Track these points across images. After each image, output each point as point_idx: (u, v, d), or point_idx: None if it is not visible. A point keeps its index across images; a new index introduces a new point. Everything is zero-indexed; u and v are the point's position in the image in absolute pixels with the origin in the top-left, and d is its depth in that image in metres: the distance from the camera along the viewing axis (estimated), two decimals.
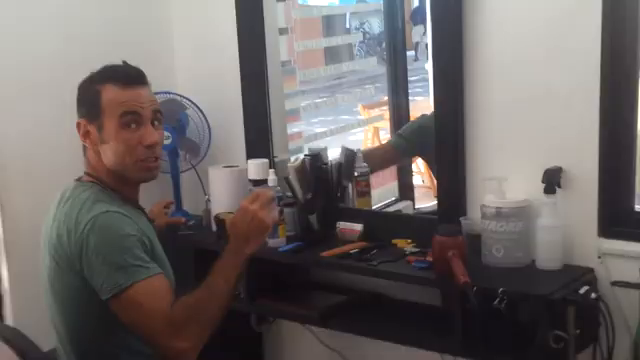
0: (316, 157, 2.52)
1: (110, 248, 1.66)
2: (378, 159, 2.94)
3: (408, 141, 2.89)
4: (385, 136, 3.95)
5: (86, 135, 1.80)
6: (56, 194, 1.82)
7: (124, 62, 1.85)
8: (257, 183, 2.48)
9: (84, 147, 1.85)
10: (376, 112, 4.49)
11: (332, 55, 4.62)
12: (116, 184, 1.82)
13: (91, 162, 1.84)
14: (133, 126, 1.77)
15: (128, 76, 1.80)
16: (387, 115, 3.61)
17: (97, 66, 1.85)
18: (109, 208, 1.72)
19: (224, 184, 2.60)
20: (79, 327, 1.76)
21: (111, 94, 1.77)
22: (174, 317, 1.65)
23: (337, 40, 5.15)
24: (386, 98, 3.55)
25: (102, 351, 1.76)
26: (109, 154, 1.78)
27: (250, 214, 1.69)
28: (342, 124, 4.25)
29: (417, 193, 3.34)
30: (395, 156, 3.03)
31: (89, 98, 1.80)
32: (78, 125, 1.81)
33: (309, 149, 2.85)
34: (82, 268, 1.67)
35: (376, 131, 4.63)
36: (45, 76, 2.52)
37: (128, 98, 1.77)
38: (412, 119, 3.29)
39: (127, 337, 1.74)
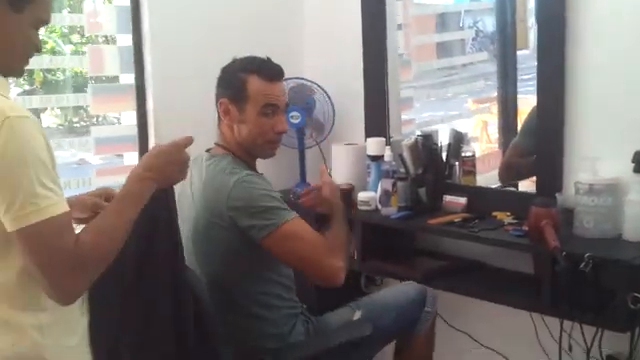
0: (428, 137, 2.83)
1: (260, 198, 2.05)
2: (514, 166, 2.98)
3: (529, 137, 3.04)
4: (493, 131, 4.16)
5: (226, 112, 2.18)
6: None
7: (268, 58, 2.23)
8: (375, 159, 2.82)
9: (219, 121, 2.22)
10: (486, 107, 4.70)
11: (444, 50, 4.86)
12: (244, 155, 2.21)
13: (225, 135, 2.22)
14: (270, 114, 2.16)
15: (272, 72, 2.20)
16: (495, 110, 3.83)
17: (236, 52, 2.24)
18: (248, 172, 2.12)
19: (345, 159, 2.96)
20: (223, 277, 2.13)
21: (256, 85, 2.16)
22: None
23: (449, 36, 5.40)
24: (496, 94, 3.79)
25: (239, 297, 2.15)
26: (244, 133, 2.17)
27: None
28: (452, 115, 4.48)
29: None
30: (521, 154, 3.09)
31: (235, 83, 2.18)
32: (221, 103, 2.19)
33: (421, 131, 3.15)
34: (234, 220, 2.04)
35: (484, 125, 4.83)
36: (193, 59, 2.93)
37: (271, 92, 2.17)
38: (521, 115, 3.48)
39: (267, 285, 2.13)
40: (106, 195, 1.76)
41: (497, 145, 3.84)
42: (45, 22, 1.52)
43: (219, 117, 2.22)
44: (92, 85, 2.84)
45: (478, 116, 4.82)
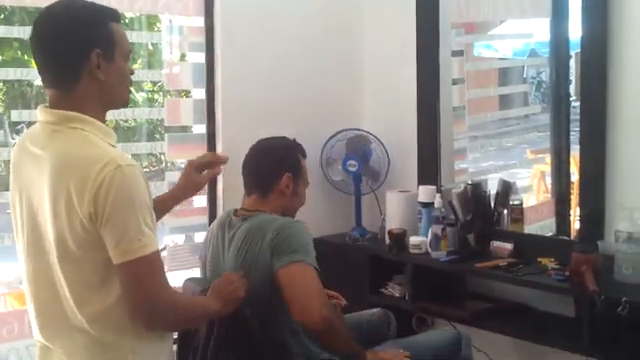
0: (477, 186, 3.01)
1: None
2: None
3: None
4: (550, 182, 4.26)
5: (287, 186, 2.33)
6: None
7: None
8: (426, 205, 3.01)
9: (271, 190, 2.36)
10: (542, 157, 4.80)
11: (506, 102, 5.01)
12: None
13: (273, 204, 2.34)
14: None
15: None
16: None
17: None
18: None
19: (398, 205, 3.14)
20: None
21: (305, 166, 2.43)
22: None
23: (509, 89, 5.57)
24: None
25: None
26: (296, 205, 2.40)
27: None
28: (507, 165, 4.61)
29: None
30: None
31: (296, 165, 2.38)
32: (287, 177, 2.33)
33: (471, 180, 3.31)
34: (273, 264, 2.18)
35: (542, 175, 4.92)
36: (259, 110, 3.17)
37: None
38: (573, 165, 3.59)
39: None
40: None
41: (550, 195, 3.97)
42: (130, 52, 1.73)
43: (273, 187, 2.35)
44: (169, 134, 3.12)
45: (536, 166, 4.94)
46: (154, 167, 10.54)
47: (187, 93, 3.20)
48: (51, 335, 1.66)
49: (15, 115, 3.18)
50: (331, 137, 3.29)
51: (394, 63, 3.38)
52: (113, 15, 1.67)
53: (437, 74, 3.19)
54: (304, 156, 2.44)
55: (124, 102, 1.74)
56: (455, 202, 2.95)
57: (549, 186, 4.36)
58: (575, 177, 3.39)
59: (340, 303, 2.52)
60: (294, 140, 2.45)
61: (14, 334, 2.72)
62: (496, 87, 4.98)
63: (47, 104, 1.66)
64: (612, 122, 2.60)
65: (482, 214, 2.96)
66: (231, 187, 2.90)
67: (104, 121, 1.68)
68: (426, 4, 3.17)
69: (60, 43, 1.62)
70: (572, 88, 3.98)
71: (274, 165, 2.36)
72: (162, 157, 9.92)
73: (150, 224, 1.57)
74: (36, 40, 1.64)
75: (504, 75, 6.22)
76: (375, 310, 2.74)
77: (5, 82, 12.84)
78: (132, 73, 1.75)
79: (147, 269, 1.56)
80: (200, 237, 3.02)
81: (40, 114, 1.65)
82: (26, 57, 11.81)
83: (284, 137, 2.46)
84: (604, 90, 2.60)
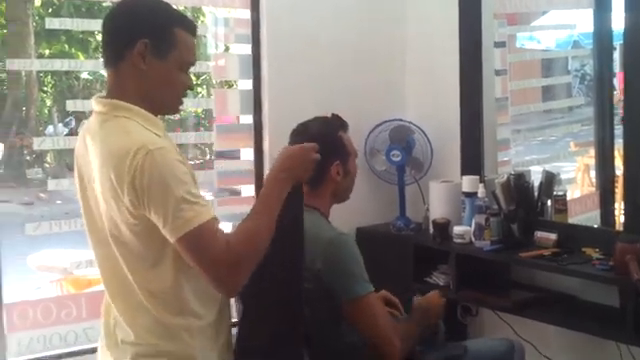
0: (520, 176, 3.02)
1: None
2: None
3: None
4: (594, 175, 4.24)
5: (337, 173, 2.28)
6: None
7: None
8: (469, 195, 3.03)
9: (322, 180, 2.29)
10: (586, 150, 4.77)
11: (548, 94, 4.99)
12: (327, 213, 2.36)
13: (322, 197, 2.29)
14: None
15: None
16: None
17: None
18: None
19: (441, 195, 3.18)
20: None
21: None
22: None
23: (552, 81, 5.54)
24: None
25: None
26: (347, 188, 2.36)
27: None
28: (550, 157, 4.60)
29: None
30: None
31: (339, 145, 2.31)
32: (336, 165, 2.27)
33: (514, 170, 3.32)
34: (331, 284, 2.16)
35: (586, 168, 4.89)
36: (305, 101, 3.19)
37: None
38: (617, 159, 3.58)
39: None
40: None
41: (595, 188, 3.96)
42: (190, 64, 1.76)
43: (324, 178, 2.28)
44: (217, 124, 3.20)
45: (579, 159, 4.92)
46: (199, 159, 10.71)
47: (232, 84, 3.27)
48: (120, 310, 1.74)
49: (70, 105, 3.27)
50: (375, 127, 3.33)
51: (437, 54, 3.41)
52: (185, 23, 1.75)
53: (480, 65, 3.21)
54: (345, 129, 2.35)
55: (169, 107, 1.79)
56: (498, 192, 2.97)
57: (593, 180, 4.37)
58: (620, 170, 3.39)
59: (397, 314, 2.46)
60: (331, 115, 2.36)
61: (72, 317, 2.82)
62: (539, 79, 4.96)
63: (100, 94, 1.75)
64: None
65: (525, 204, 2.97)
66: None
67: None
68: None
69: (115, 25, 1.74)
70: (616, 80, 3.97)
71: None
72: (206, 149, 10.12)
73: (191, 198, 1.59)
74: (103, 22, 1.77)
75: (547, 67, 6.19)
76: (498, 340, 2.68)
77: (53, 74, 13.23)
78: (190, 88, 1.79)
79: (199, 239, 1.59)
80: None
81: (93, 104, 1.74)
82: (73, 50, 12.09)
83: (318, 119, 2.36)
84: None
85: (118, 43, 1.71)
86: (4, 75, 12.09)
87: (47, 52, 11.95)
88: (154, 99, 1.72)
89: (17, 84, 11.60)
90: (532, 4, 3.91)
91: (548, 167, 3.66)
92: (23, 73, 10.73)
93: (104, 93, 1.75)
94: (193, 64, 1.78)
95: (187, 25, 1.75)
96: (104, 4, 3.69)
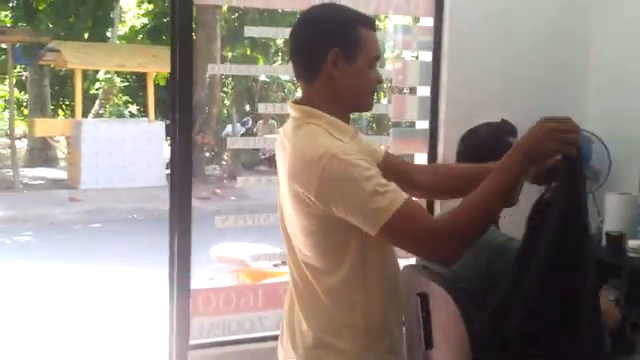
0: None
1: None
2: None
3: None
4: None
5: None
6: None
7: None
8: None
9: None
10: None
11: None
12: None
13: None
14: None
15: None
16: None
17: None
18: None
19: (617, 207, 3.12)
20: None
21: None
22: None
23: None
24: None
25: None
26: None
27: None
28: None
29: None
30: None
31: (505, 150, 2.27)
32: None
33: None
34: None
35: None
36: (484, 110, 3.20)
37: None
38: None
39: None
40: None
41: None
42: (377, 58, 1.81)
43: None
44: (394, 129, 3.34)
45: None
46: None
47: (411, 90, 3.39)
48: (302, 309, 1.87)
49: (261, 108, 3.52)
50: None
51: (621, 61, 3.35)
52: (365, 21, 1.81)
53: None
54: (515, 135, 2.34)
55: (364, 105, 1.86)
56: None
57: None
58: None
59: None
60: (501, 120, 2.40)
61: (249, 306, 3.00)
62: None
63: (295, 99, 1.88)
64: None
65: None
66: None
67: (342, 118, 1.81)
68: None
69: (304, 40, 1.82)
70: None
71: (483, 159, 2.19)
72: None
73: (381, 189, 1.64)
74: (290, 36, 1.86)
75: None
76: None
77: (234, 77, 14.01)
78: (380, 81, 1.85)
79: (402, 222, 1.64)
80: None
81: (290, 110, 1.86)
82: (254, 53, 12.76)
83: (488, 125, 2.41)
84: None
85: (310, 59, 1.80)
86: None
87: (230, 55, 12.70)
88: (349, 101, 1.82)
89: (201, 85, 12.41)
90: None
91: None
92: (207, 74, 11.42)
93: (298, 98, 1.87)
94: (379, 58, 1.83)
95: (367, 22, 1.82)
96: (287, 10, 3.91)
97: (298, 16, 1.90)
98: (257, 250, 3.97)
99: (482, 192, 1.67)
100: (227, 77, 13.63)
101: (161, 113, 15.15)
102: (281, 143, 1.89)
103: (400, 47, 3.32)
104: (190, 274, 2.85)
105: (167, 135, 11.73)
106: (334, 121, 1.79)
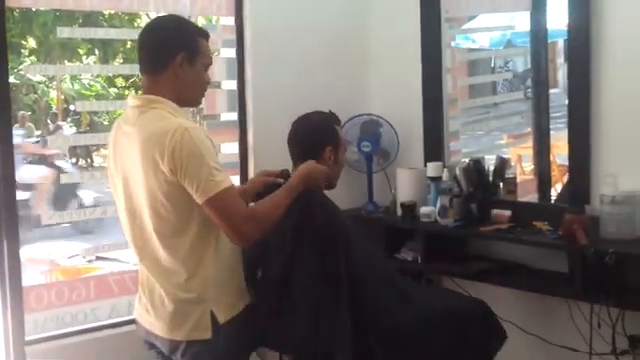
0: (477, 162, 3.45)
1: None
2: None
3: None
4: (526, 163, 4.69)
5: (329, 158, 2.59)
6: None
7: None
8: (434, 179, 3.44)
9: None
10: (520, 141, 5.23)
11: (477, 91, 5.41)
12: None
13: None
14: None
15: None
16: (528, 144, 4.36)
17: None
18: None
19: (408, 180, 3.57)
20: None
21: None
22: None
23: (486, 78, 6.02)
24: (529, 129, 4.30)
25: None
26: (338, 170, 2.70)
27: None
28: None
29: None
30: None
31: (333, 135, 2.63)
32: (329, 151, 2.59)
33: (471, 157, 3.72)
34: None
35: (519, 158, 5.35)
36: (285, 100, 3.54)
37: None
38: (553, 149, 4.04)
39: None
40: (266, 173, 2.59)
41: (532, 175, 4.40)
42: (210, 64, 2.23)
43: (317, 159, 2.56)
44: (207, 121, 3.50)
45: (512, 150, 5.38)
46: None
47: (218, 85, 3.58)
48: (153, 275, 2.17)
49: None
50: (347, 121, 3.68)
51: (400, 55, 3.81)
52: (202, 33, 2.21)
53: (440, 64, 3.63)
54: (339, 124, 2.70)
55: (196, 101, 2.28)
56: (460, 176, 3.39)
57: (524, 169, 4.81)
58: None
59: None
60: (329, 111, 2.70)
61: (82, 298, 3.19)
62: (475, 77, 5.38)
63: (136, 94, 2.22)
64: (595, 103, 3.04)
65: (482, 186, 3.40)
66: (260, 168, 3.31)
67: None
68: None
69: (158, 43, 2.16)
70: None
71: (315, 139, 2.60)
72: None
73: (219, 167, 2.03)
74: (144, 37, 2.18)
75: (474, 65, 6.63)
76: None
77: None
78: (209, 82, 2.25)
79: (227, 199, 2.03)
80: None
81: (131, 101, 2.17)
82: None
83: (318, 112, 2.69)
84: (588, 74, 3.03)
85: (160, 57, 2.13)
86: None
87: None
88: (185, 96, 2.18)
89: None
90: (476, 8, 4.25)
91: (489, 156, 4.09)
92: None
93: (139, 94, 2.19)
94: (211, 64, 2.25)
95: (204, 34, 2.22)
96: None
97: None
98: (69, 248, 3.93)
99: (281, 193, 2.28)
100: None
101: None
102: (120, 131, 2.16)
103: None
104: (21, 271, 2.93)
105: None
106: (175, 105, 2.13)
